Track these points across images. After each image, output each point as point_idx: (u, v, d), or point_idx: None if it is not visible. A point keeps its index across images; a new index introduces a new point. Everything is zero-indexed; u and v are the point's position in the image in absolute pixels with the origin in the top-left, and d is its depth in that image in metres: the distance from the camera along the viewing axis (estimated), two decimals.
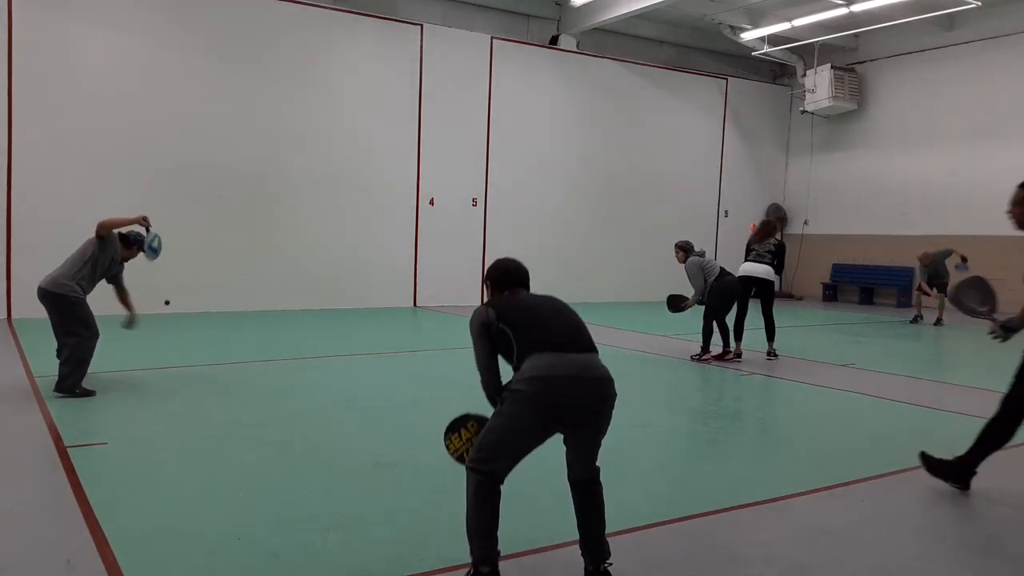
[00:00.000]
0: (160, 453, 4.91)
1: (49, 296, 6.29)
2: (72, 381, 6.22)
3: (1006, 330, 4.43)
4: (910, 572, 3.44)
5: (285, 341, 9.85)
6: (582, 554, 3.16)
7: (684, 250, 9.22)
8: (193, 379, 7.31)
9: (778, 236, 9.55)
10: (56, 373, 6.33)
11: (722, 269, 8.97)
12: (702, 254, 9.18)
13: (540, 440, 3.08)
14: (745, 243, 9.66)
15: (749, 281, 9.17)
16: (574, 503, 3.18)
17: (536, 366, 3.03)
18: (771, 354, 9.18)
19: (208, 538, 3.59)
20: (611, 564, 3.14)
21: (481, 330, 3.23)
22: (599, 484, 3.19)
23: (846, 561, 3.53)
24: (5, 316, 11.03)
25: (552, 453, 5.12)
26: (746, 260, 9.35)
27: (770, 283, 9.15)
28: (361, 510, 4.00)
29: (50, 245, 11.33)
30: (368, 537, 3.66)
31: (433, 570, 3.32)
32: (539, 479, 4.58)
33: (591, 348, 3.19)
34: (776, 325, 9.23)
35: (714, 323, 8.96)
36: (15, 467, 4.65)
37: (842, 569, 3.45)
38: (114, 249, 6.66)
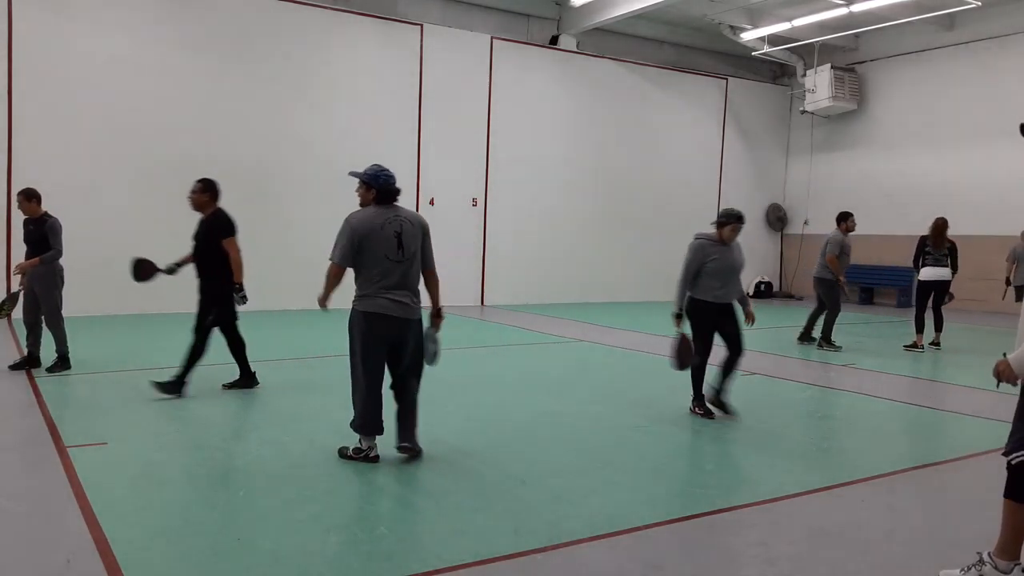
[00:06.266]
0: (160, 453, 4.91)
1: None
2: None
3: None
4: (910, 572, 3.44)
5: (285, 341, 9.85)
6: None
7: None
8: (193, 379, 7.30)
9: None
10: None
11: None
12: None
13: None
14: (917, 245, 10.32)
15: (932, 285, 10.09)
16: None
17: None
18: (936, 344, 10.21)
19: (208, 538, 3.59)
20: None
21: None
22: None
23: (846, 561, 3.53)
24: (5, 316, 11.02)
25: (550, 455, 5.13)
26: (924, 264, 10.10)
27: (948, 282, 10.17)
28: (361, 510, 3.99)
29: None
30: (368, 537, 3.66)
31: (433, 570, 3.32)
32: (538, 480, 4.58)
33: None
34: (944, 319, 10.37)
35: None
36: (15, 467, 4.66)
37: (842, 569, 3.45)
38: None
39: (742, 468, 4.95)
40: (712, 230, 6.54)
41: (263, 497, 4.14)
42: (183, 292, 12.12)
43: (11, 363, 7.42)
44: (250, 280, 12.56)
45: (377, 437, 4.81)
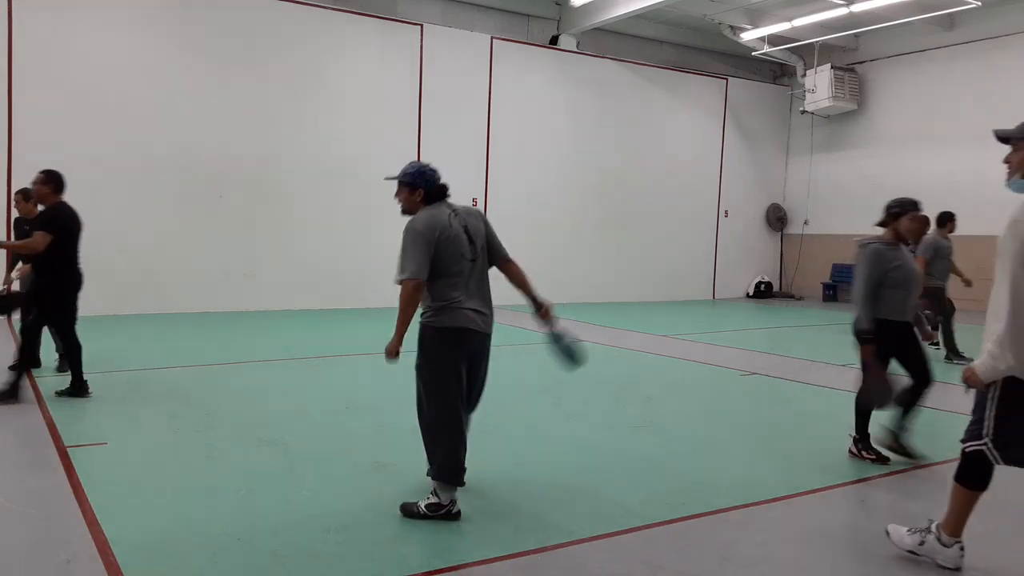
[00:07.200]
0: (160, 453, 4.91)
1: None
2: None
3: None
4: (910, 572, 3.44)
5: (285, 341, 9.85)
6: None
7: None
8: (193, 379, 7.31)
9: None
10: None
11: None
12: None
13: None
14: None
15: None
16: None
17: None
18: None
19: (208, 538, 3.59)
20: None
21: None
22: None
23: (846, 561, 3.53)
24: (5, 316, 11.02)
25: (550, 455, 5.13)
26: None
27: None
28: (361, 510, 3.99)
29: None
30: (368, 537, 3.66)
31: (433, 570, 3.32)
32: (537, 480, 4.58)
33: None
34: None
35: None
36: (15, 467, 4.65)
37: (842, 569, 3.45)
38: None
39: (742, 468, 4.95)
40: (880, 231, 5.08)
41: (263, 497, 4.14)
42: (183, 292, 12.16)
43: (11, 363, 7.38)
44: (251, 279, 12.66)
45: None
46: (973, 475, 3.33)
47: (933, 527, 3.47)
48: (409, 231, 3.84)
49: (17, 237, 7.38)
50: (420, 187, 3.98)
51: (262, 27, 12.68)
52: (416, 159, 13.99)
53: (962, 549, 3.42)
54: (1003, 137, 3.34)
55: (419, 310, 3.90)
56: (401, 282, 3.77)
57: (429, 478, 3.91)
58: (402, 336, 3.81)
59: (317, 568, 3.31)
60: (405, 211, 4.04)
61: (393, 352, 3.83)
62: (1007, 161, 3.35)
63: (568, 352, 4.15)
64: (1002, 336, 3.03)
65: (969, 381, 3.25)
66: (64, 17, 11.23)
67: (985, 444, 3.23)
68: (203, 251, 12.42)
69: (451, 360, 3.86)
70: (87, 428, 5.49)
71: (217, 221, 12.49)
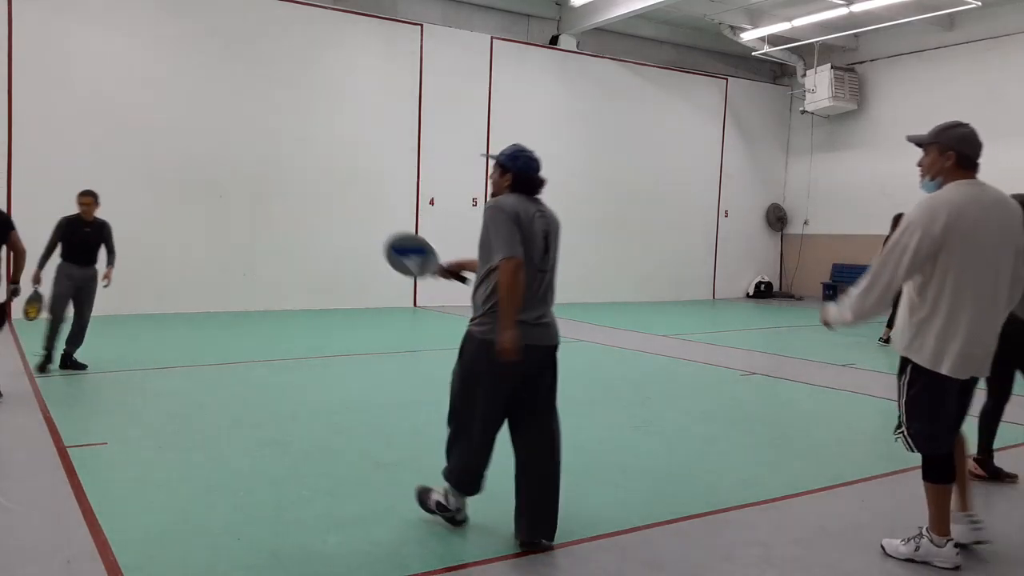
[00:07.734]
0: (160, 453, 4.91)
1: None
2: None
3: None
4: (910, 572, 3.44)
5: (285, 341, 9.85)
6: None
7: None
8: (193, 379, 7.31)
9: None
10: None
11: None
12: None
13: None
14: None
15: None
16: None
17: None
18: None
19: (208, 538, 3.59)
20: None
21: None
22: None
23: (846, 561, 3.53)
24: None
25: None
26: None
27: None
28: (361, 510, 4.00)
29: None
30: (368, 537, 3.66)
31: (433, 570, 3.32)
32: None
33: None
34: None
35: None
36: (15, 467, 4.66)
37: (842, 569, 3.45)
38: None
39: (742, 468, 4.95)
40: None
41: (263, 497, 4.14)
42: (183, 292, 12.16)
43: (34, 364, 7.23)
44: (251, 279, 12.67)
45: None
46: (931, 470, 3.44)
47: (924, 531, 3.49)
48: (494, 209, 3.49)
49: (73, 239, 7.27)
50: (509, 170, 3.63)
51: (262, 26, 12.67)
52: (417, 160, 14.03)
53: (956, 547, 3.44)
54: (916, 142, 3.51)
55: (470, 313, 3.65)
56: (500, 263, 3.39)
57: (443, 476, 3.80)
58: (512, 323, 3.35)
59: (317, 568, 3.31)
60: (493, 193, 3.75)
61: (508, 346, 3.34)
62: (920, 164, 3.51)
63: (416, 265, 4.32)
64: (855, 294, 3.33)
65: (822, 318, 3.60)
66: (64, 17, 11.22)
67: (902, 432, 3.43)
68: (203, 251, 12.42)
69: (490, 376, 3.50)
70: (87, 428, 5.49)
71: (217, 221, 12.49)
